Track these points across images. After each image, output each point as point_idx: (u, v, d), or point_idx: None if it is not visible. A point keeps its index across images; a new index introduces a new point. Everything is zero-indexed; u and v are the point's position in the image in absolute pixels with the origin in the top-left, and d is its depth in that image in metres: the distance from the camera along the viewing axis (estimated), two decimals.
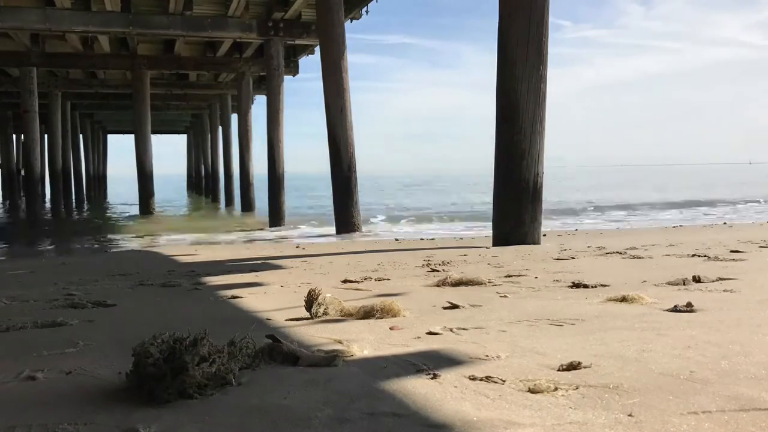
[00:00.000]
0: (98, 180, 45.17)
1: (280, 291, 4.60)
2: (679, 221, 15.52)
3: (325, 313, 3.38)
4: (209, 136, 33.06)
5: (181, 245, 11.41)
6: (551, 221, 15.72)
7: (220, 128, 29.93)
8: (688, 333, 2.80)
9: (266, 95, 17.29)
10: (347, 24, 13.38)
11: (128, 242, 13.22)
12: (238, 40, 19.29)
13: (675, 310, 3.31)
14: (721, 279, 4.38)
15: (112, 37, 19.06)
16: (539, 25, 7.84)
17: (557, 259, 6.17)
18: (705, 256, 5.92)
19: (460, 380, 2.20)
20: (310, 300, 3.44)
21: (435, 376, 2.24)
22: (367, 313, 3.35)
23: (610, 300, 3.68)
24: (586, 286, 4.24)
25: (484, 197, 28.51)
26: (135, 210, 22.81)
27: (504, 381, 2.18)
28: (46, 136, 26.85)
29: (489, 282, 4.58)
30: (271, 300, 4.15)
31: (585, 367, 2.29)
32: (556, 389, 2.07)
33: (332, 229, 12.76)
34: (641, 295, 3.65)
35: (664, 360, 2.38)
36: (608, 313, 3.34)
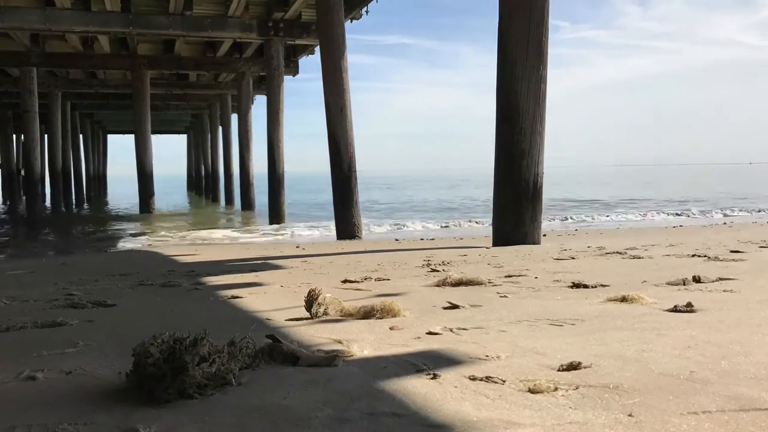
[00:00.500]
0: (98, 180, 45.23)
1: (280, 291, 4.60)
2: (679, 222, 15.52)
3: (325, 313, 3.38)
4: (209, 136, 33.10)
5: (181, 245, 11.42)
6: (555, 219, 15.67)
7: (220, 128, 29.98)
8: (688, 333, 2.80)
9: (266, 95, 17.32)
10: (347, 24, 13.37)
11: (128, 242, 13.22)
12: (238, 40, 19.32)
13: (675, 310, 3.31)
14: (721, 279, 4.37)
15: (112, 37, 19.07)
16: (539, 25, 7.84)
17: (557, 259, 6.17)
18: (705, 256, 5.92)
19: (460, 380, 2.20)
20: (310, 300, 3.44)
21: (435, 376, 2.24)
22: (367, 313, 3.35)
23: (610, 300, 3.68)
24: (586, 287, 4.24)
25: (483, 197, 28.50)
26: (135, 210, 22.83)
27: (504, 381, 2.18)
28: (46, 136, 26.88)
29: (489, 282, 4.58)
30: (271, 300, 4.15)
31: (585, 367, 2.29)
32: (556, 389, 2.07)
33: (332, 229, 12.76)
34: (641, 295, 3.64)
35: (664, 360, 2.38)
36: (608, 313, 3.34)
